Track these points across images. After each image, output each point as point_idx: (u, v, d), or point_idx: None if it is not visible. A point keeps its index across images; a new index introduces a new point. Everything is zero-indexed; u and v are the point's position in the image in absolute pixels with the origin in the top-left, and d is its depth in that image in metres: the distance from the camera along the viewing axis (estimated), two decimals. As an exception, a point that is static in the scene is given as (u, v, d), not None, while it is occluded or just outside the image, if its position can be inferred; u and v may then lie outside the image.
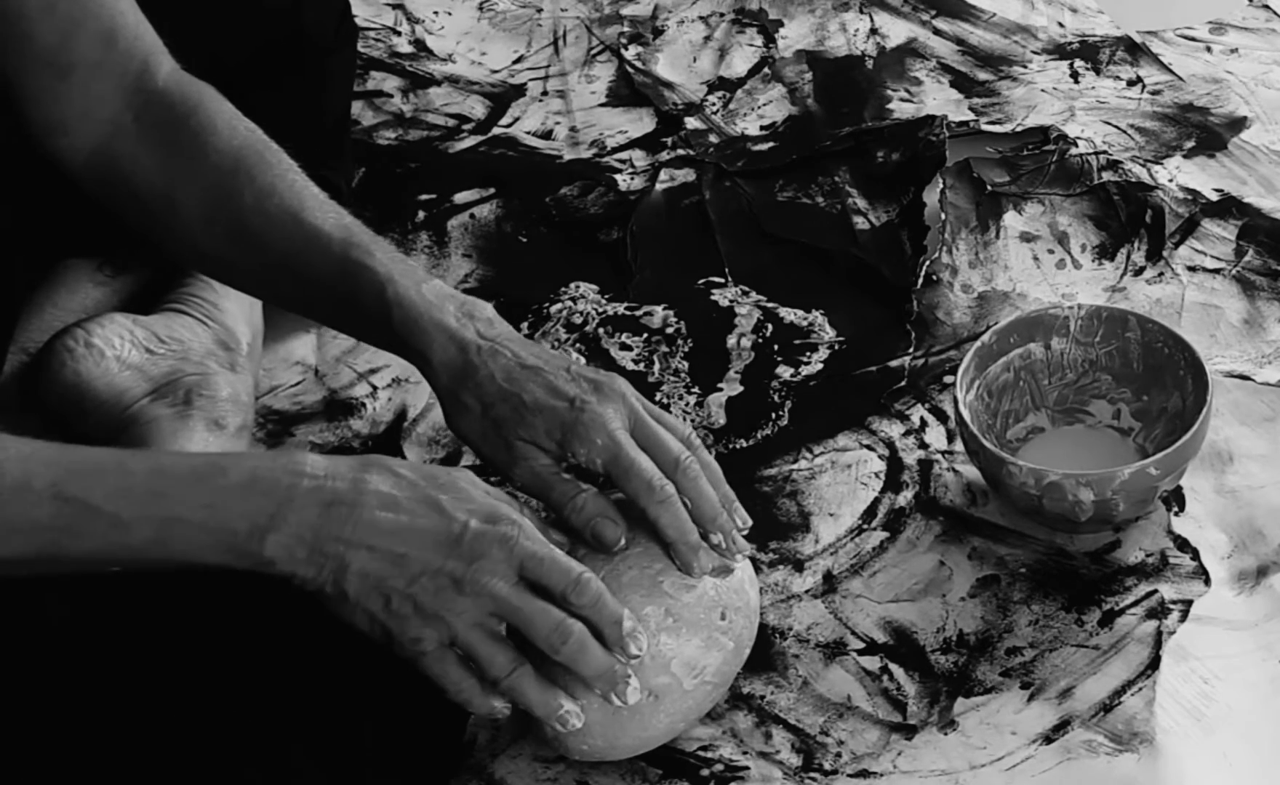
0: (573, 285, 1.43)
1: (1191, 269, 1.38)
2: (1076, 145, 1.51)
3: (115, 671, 0.94)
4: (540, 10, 1.77)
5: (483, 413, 1.00)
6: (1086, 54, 1.63)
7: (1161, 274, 1.38)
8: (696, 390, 1.33)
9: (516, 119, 1.63)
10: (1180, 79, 1.58)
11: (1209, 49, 1.62)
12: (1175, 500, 1.18)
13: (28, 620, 0.94)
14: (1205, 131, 1.52)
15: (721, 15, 1.74)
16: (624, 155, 1.57)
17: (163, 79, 1.07)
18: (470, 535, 0.90)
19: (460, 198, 1.53)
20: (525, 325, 1.39)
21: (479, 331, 1.01)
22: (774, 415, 1.30)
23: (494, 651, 0.92)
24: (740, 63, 1.67)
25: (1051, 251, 1.42)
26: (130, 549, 0.87)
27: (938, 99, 1.59)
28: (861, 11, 1.72)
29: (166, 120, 1.06)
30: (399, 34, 1.74)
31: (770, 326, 1.37)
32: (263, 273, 1.07)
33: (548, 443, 0.99)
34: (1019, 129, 1.54)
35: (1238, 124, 1.52)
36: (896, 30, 1.69)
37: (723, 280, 1.43)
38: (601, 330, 1.39)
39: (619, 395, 1.00)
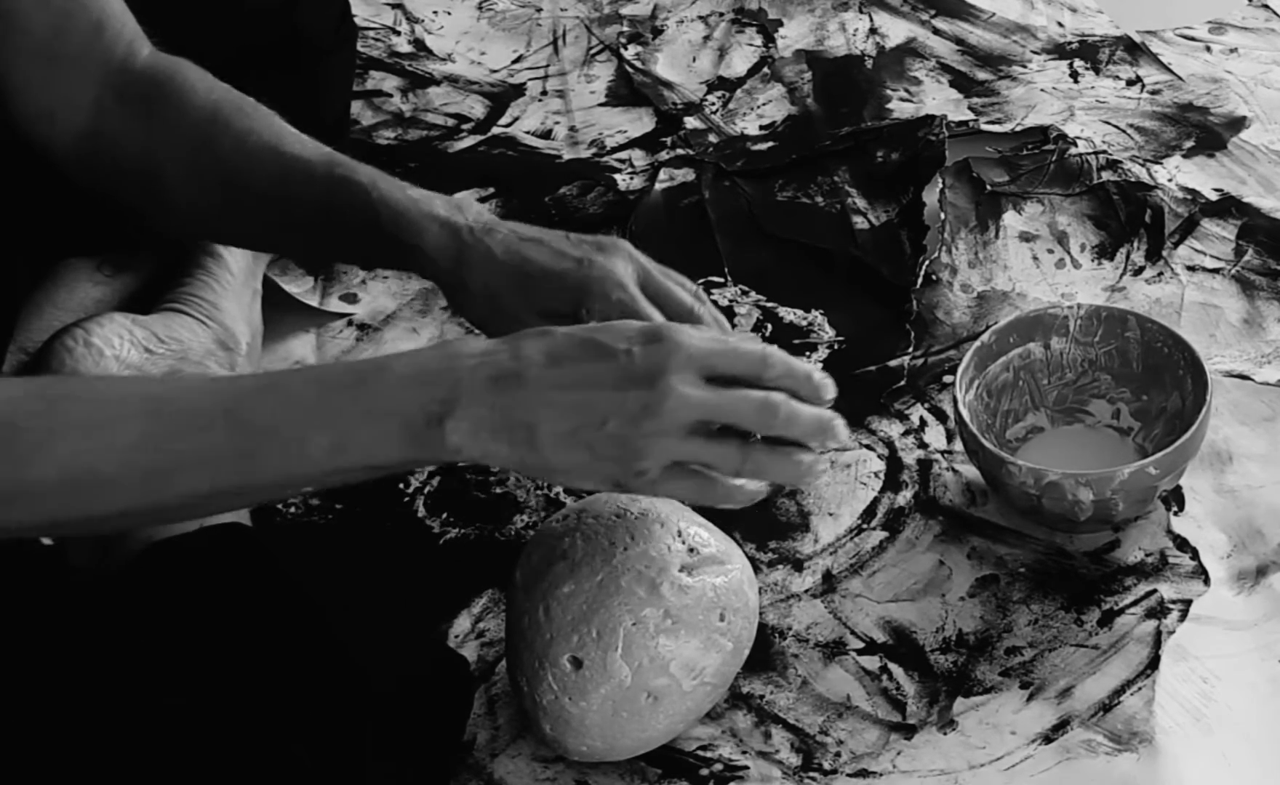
0: (572, 285, 1.43)
1: (1191, 269, 1.38)
2: (1076, 145, 1.51)
3: (116, 670, 0.94)
4: (540, 10, 1.77)
5: (485, 291, 0.98)
6: (1086, 54, 1.63)
7: (1161, 274, 1.38)
8: (696, 390, 1.32)
9: (516, 119, 1.63)
10: (1180, 79, 1.58)
11: (1208, 49, 1.62)
12: (1175, 500, 1.18)
13: (33, 620, 0.94)
14: (1205, 131, 1.52)
15: (721, 15, 1.74)
16: (623, 155, 1.57)
17: (142, 60, 1.09)
18: (639, 359, 0.87)
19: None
20: (525, 325, 1.39)
21: (470, 218, 0.99)
22: (773, 415, 1.30)
23: (721, 448, 0.88)
24: (740, 62, 1.67)
25: (1051, 251, 1.42)
26: (309, 463, 0.84)
27: (937, 99, 1.59)
28: (861, 11, 1.72)
29: (146, 92, 1.08)
30: (398, 34, 1.74)
31: (770, 326, 1.37)
32: (249, 213, 1.07)
33: (561, 306, 0.97)
34: (1018, 129, 1.54)
35: (1237, 124, 1.52)
36: (896, 30, 1.69)
37: (722, 280, 1.42)
38: (601, 330, 1.38)
39: (624, 252, 0.98)
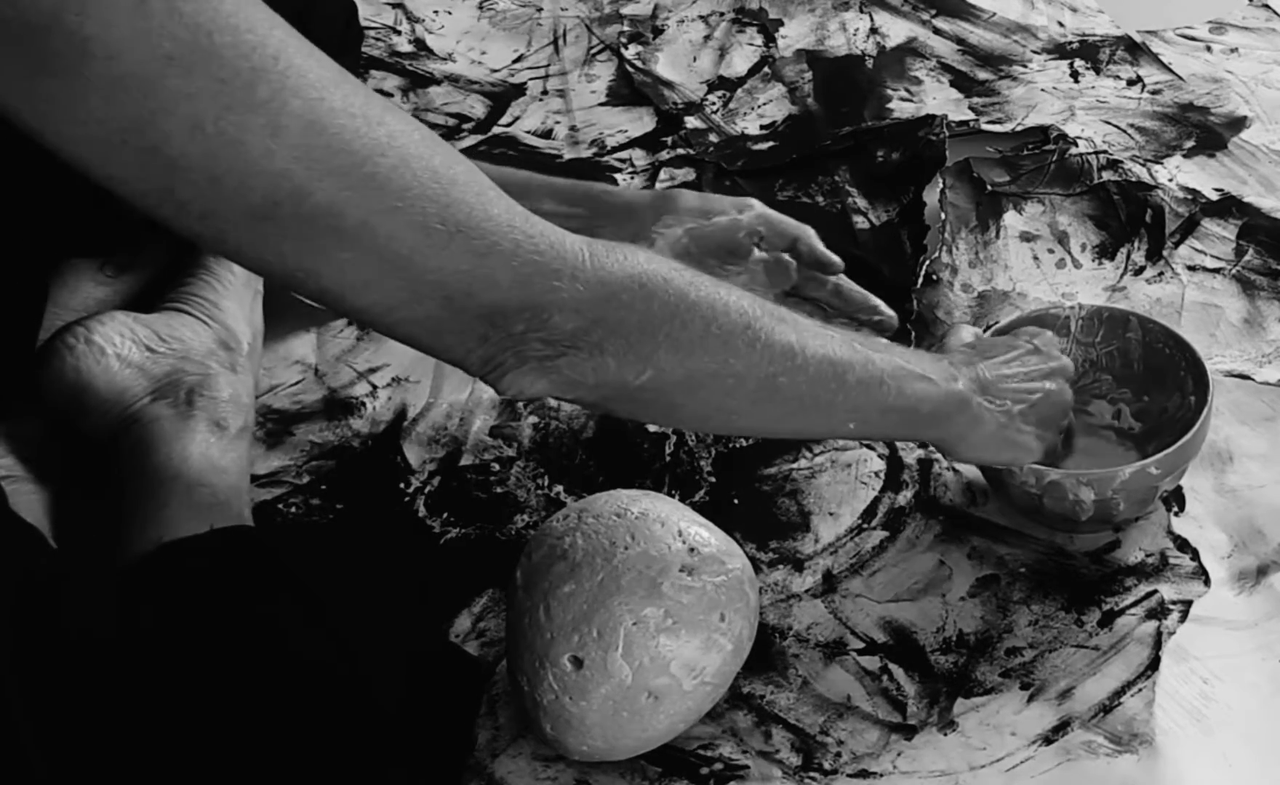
0: (573, 285, 1.43)
1: (1191, 268, 1.38)
2: (1076, 145, 1.51)
3: (122, 670, 0.94)
4: (540, 9, 1.77)
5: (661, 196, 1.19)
6: (1086, 53, 1.63)
7: (1161, 273, 1.38)
8: (696, 390, 1.32)
9: (516, 118, 1.63)
10: (1180, 78, 1.58)
11: (1209, 49, 1.62)
12: (1175, 500, 1.18)
13: (38, 620, 0.94)
14: (1205, 131, 1.52)
15: (721, 14, 1.74)
16: (624, 154, 1.57)
17: None
18: (1039, 343, 1.14)
19: (460, 197, 1.53)
20: (525, 325, 1.39)
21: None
22: (774, 415, 1.30)
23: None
24: (740, 62, 1.67)
25: (1051, 251, 1.42)
26: (877, 398, 0.99)
27: (938, 98, 1.59)
28: (861, 11, 1.72)
29: None
30: (399, 33, 1.74)
31: (770, 326, 1.37)
32: None
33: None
34: (1019, 128, 1.54)
35: (1238, 123, 1.52)
36: (896, 29, 1.69)
37: (723, 280, 1.42)
38: (601, 330, 1.38)
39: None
